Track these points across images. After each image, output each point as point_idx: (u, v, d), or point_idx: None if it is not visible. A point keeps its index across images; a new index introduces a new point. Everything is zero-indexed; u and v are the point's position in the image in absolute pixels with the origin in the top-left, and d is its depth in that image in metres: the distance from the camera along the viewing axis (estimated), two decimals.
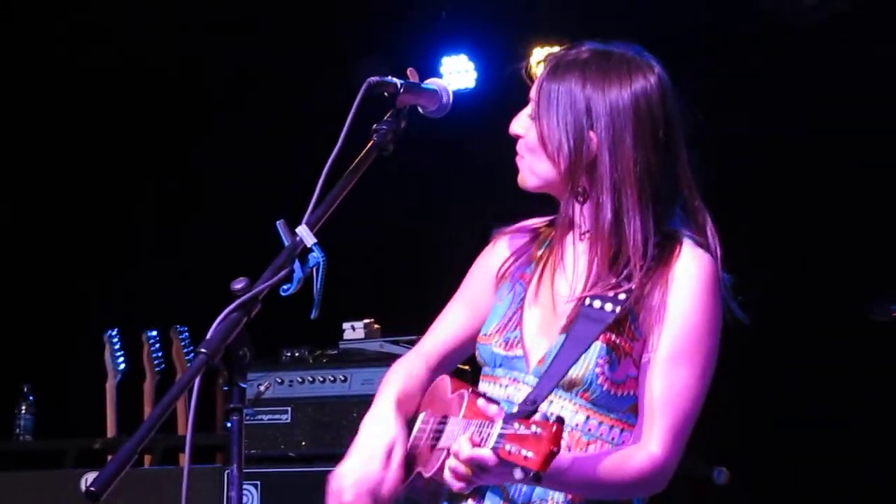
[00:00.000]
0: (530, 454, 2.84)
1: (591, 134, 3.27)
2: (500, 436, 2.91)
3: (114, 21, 9.70)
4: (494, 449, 2.92)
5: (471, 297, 3.54)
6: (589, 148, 3.26)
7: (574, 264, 3.37)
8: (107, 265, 9.83)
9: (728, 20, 8.68)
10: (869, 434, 8.32)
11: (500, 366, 3.34)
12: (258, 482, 6.77)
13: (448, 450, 3.13)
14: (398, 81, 3.20)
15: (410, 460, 3.42)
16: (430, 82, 3.33)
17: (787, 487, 8.19)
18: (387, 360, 4.91)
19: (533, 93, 3.34)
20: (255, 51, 9.60)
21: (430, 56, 8.82)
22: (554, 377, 3.21)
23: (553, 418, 2.89)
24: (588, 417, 3.23)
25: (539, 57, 3.50)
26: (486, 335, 3.38)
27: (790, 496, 8.15)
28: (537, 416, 3.03)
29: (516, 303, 3.37)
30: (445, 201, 8.04)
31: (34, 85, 10.01)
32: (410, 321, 5.79)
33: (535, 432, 2.86)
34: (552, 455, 2.83)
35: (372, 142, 3.16)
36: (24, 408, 8.22)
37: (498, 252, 3.51)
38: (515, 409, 3.19)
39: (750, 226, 8.30)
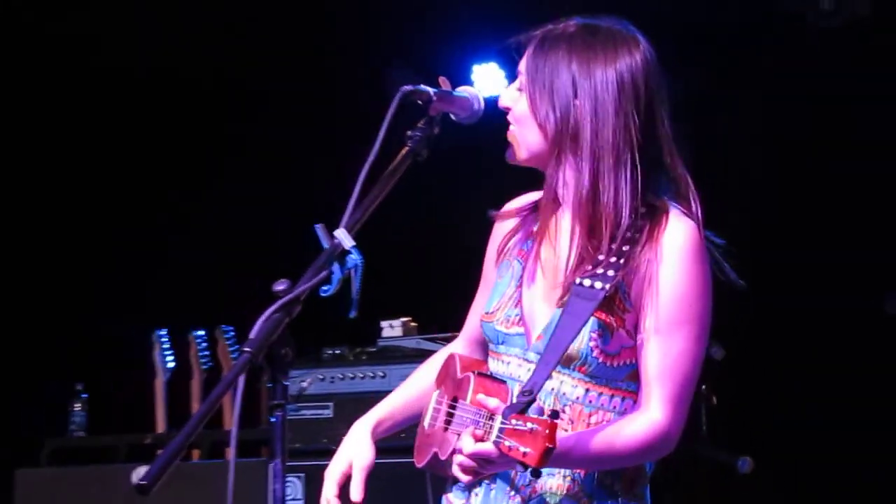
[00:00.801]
0: (528, 450, 2.86)
1: (576, 103, 3.25)
2: (500, 430, 2.94)
3: (143, 25, 9.61)
4: (496, 443, 2.94)
5: (485, 281, 3.55)
6: (575, 118, 3.24)
7: (559, 237, 3.36)
8: (156, 268, 9.75)
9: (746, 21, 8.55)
10: (888, 426, 8.12)
11: (503, 343, 3.34)
12: (302, 474, 6.82)
13: (459, 434, 3.16)
14: (431, 90, 3.21)
15: (428, 439, 3.47)
16: (462, 90, 3.33)
17: (811, 476, 8.05)
18: (423, 356, 4.93)
19: (521, 66, 3.34)
20: (285, 56, 9.51)
21: (461, 64, 8.72)
22: (552, 353, 3.15)
23: (548, 414, 2.93)
24: (588, 390, 3.22)
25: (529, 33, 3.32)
26: (488, 313, 3.38)
27: (813, 485, 8.00)
28: (532, 411, 3.03)
29: (515, 280, 3.37)
30: (479, 201, 8.17)
31: (76, 88, 9.90)
32: (446, 318, 5.79)
33: (532, 429, 2.87)
34: (548, 452, 2.84)
35: (407, 148, 3.17)
36: (77, 405, 8.22)
37: (498, 233, 3.53)
38: (517, 390, 3.15)
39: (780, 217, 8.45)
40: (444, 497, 3.48)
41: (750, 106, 8.49)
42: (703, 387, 6.86)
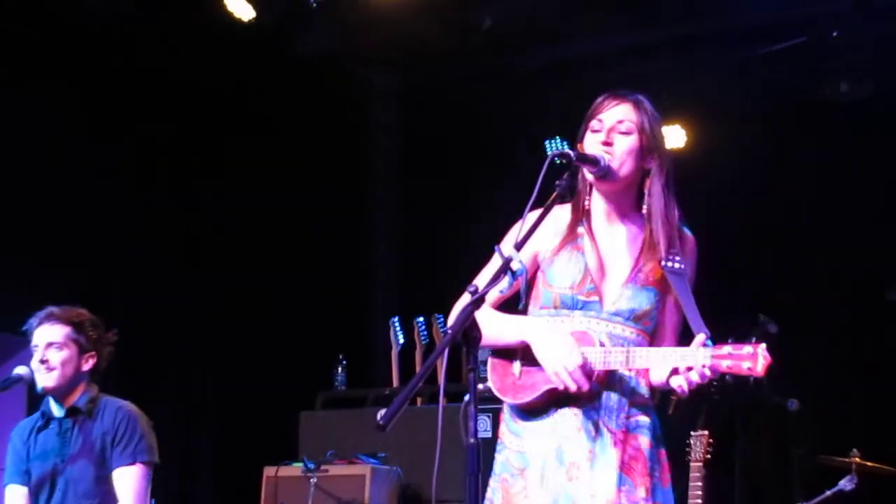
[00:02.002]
0: (750, 365, 2.97)
1: (661, 150, 3.42)
2: (712, 356, 3.03)
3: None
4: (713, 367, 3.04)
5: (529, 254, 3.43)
6: (661, 157, 3.40)
7: (614, 235, 3.42)
8: (394, 277, 10.14)
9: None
10: None
11: (581, 308, 3.34)
12: (490, 414, 6.39)
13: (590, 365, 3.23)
14: (572, 153, 3.30)
15: (525, 380, 3.37)
16: (592, 154, 3.34)
17: (849, 416, 7.97)
18: None
19: (620, 115, 3.34)
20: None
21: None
22: (625, 314, 3.32)
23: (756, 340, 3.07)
24: (637, 335, 3.32)
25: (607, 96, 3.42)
26: (565, 287, 3.37)
27: (851, 422, 7.85)
28: (597, 352, 3.19)
29: (582, 266, 3.37)
30: None
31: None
32: None
33: (749, 352, 2.99)
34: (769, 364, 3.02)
35: (556, 192, 3.26)
36: (339, 369, 8.61)
37: (549, 222, 3.37)
38: (596, 338, 3.25)
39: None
40: (551, 414, 3.34)
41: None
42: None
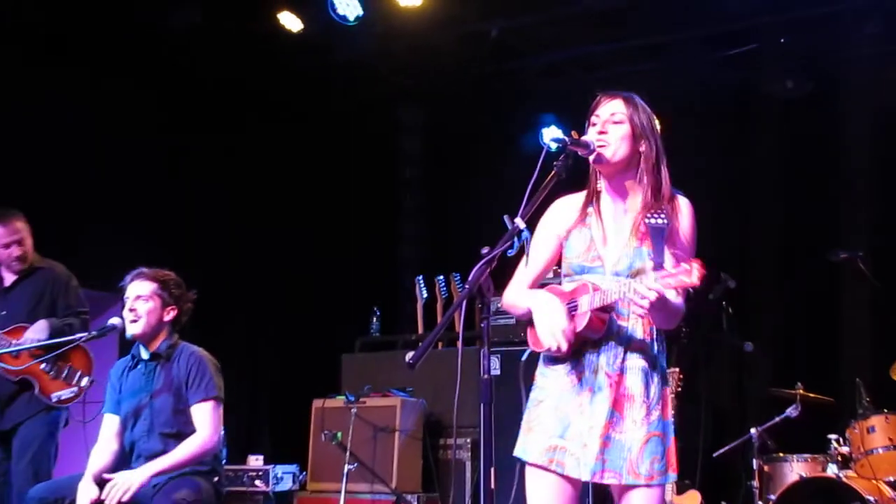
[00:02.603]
0: (689, 279, 2.93)
1: (651, 134, 3.35)
2: (658, 278, 3.00)
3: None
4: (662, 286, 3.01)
5: (539, 248, 3.40)
6: (654, 139, 3.34)
7: (616, 212, 3.37)
8: (421, 241, 10.11)
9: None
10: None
11: (587, 272, 3.32)
12: (499, 355, 6.81)
13: (590, 311, 3.19)
14: (567, 139, 3.26)
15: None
16: (584, 138, 3.30)
17: (794, 356, 7.97)
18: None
19: (613, 109, 3.31)
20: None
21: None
22: (624, 273, 3.24)
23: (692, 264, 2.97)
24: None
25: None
26: (576, 257, 3.35)
27: (796, 361, 7.85)
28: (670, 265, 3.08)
29: (588, 238, 3.35)
30: None
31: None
32: None
33: (686, 268, 2.95)
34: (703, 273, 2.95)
35: (554, 172, 3.19)
36: (374, 319, 8.70)
37: (554, 221, 3.43)
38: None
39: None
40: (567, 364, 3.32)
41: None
42: (724, 303, 6.65)
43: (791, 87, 7.96)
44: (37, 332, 5.66)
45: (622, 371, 3.25)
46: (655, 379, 3.28)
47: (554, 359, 3.33)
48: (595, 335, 3.24)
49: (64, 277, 5.96)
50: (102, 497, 4.57)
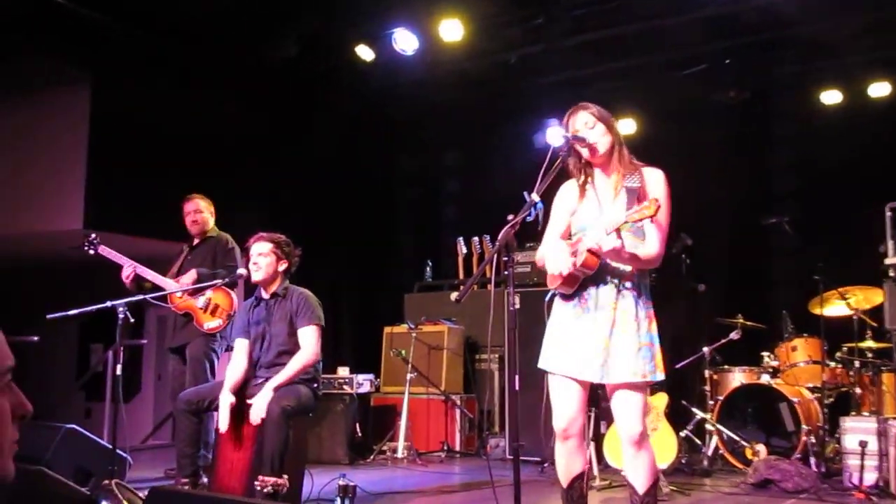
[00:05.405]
0: (648, 212, 2.85)
1: (615, 129, 3.26)
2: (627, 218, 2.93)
3: None
4: (627, 216, 2.93)
5: (556, 217, 3.33)
6: (617, 134, 3.25)
7: (605, 184, 3.28)
8: (461, 210, 10.07)
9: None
10: None
11: (587, 230, 3.22)
12: (520, 295, 5.99)
13: (589, 250, 3.08)
14: (569, 135, 3.20)
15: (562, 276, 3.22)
16: (580, 135, 3.20)
17: (736, 293, 7.80)
18: None
19: (589, 116, 3.21)
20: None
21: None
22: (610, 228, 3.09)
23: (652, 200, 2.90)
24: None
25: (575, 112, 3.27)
26: (580, 220, 3.28)
27: (738, 297, 7.60)
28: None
29: (588, 207, 3.28)
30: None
31: None
32: None
33: (645, 204, 2.89)
34: (659, 207, 2.85)
35: (560, 159, 3.13)
36: (427, 268, 8.88)
37: (565, 197, 3.35)
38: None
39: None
40: (571, 302, 3.23)
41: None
42: (683, 255, 6.49)
43: (733, 95, 7.95)
44: (188, 277, 5.72)
45: (616, 299, 3.17)
46: (641, 302, 3.19)
47: (565, 295, 3.25)
48: (590, 271, 3.14)
49: (225, 243, 5.97)
50: (248, 409, 4.56)
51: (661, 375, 3.19)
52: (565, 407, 3.24)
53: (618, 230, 2.95)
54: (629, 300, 3.17)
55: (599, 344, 3.16)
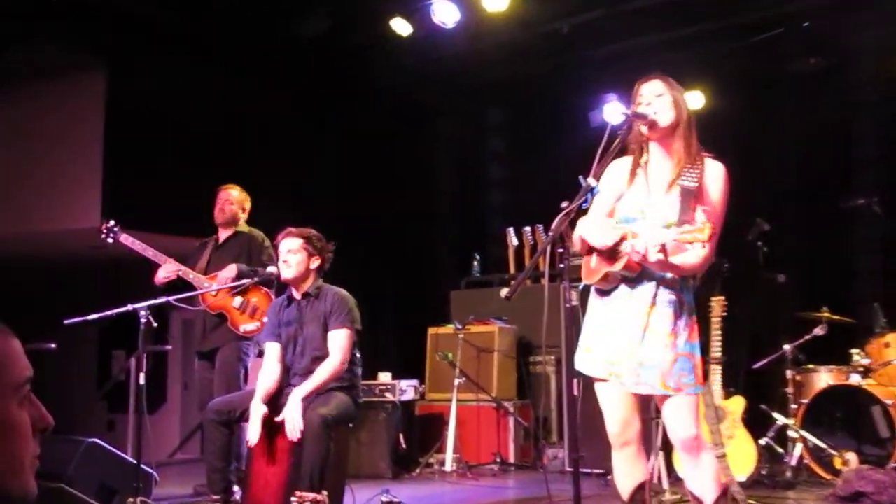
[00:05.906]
0: (701, 235, 2.84)
1: (685, 105, 3.28)
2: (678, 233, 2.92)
3: None
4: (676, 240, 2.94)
5: (604, 196, 3.32)
6: (688, 110, 3.27)
7: (659, 169, 3.29)
8: (511, 200, 10.09)
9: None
10: None
11: (634, 221, 3.24)
12: (577, 290, 6.30)
13: (630, 253, 3.08)
14: (629, 112, 3.24)
15: (596, 269, 3.26)
16: (640, 111, 3.24)
17: (822, 285, 7.67)
18: None
19: (655, 88, 3.24)
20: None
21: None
22: (658, 223, 3.15)
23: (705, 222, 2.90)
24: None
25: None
26: (625, 208, 3.28)
27: (823, 289, 7.43)
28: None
29: (636, 194, 3.28)
30: None
31: None
32: None
33: (699, 226, 2.88)
34: (713, 232, 2.85)
35: (619, 138, 3.15)
36: (475, 263, 8.86)
37: (613, 176, 3.32)
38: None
39: None
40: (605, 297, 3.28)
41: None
42: (760, 242, 6.46)
43: (813, 63, 7.84)
44: (228, 272, 5.68)
45: (654, 303, 3.17)
46: (682, 310, 3.19)
47: (601, 291, 3.27)
48: (631, 274, 3.16)
49: (258, 240, 6.00)
50: (277, 420, 4.59)
51: (701, 388, 3.20)
52: (615, 411, 3.25)
53: (664, 246, 2.97)
54: (667, 307, 3.19)
55: (633, 352, 3.17)
